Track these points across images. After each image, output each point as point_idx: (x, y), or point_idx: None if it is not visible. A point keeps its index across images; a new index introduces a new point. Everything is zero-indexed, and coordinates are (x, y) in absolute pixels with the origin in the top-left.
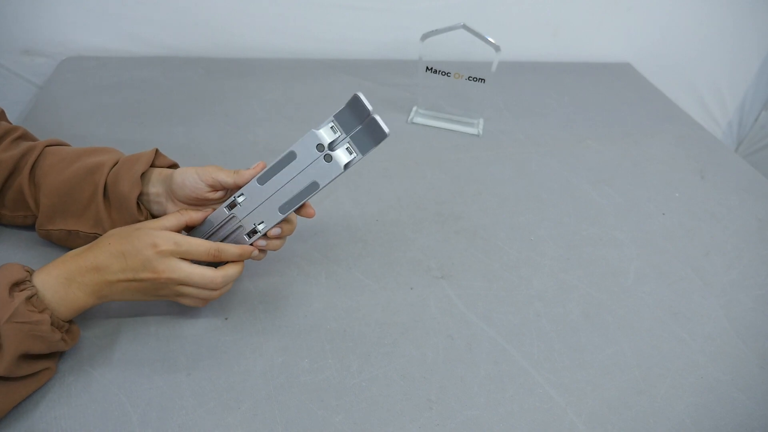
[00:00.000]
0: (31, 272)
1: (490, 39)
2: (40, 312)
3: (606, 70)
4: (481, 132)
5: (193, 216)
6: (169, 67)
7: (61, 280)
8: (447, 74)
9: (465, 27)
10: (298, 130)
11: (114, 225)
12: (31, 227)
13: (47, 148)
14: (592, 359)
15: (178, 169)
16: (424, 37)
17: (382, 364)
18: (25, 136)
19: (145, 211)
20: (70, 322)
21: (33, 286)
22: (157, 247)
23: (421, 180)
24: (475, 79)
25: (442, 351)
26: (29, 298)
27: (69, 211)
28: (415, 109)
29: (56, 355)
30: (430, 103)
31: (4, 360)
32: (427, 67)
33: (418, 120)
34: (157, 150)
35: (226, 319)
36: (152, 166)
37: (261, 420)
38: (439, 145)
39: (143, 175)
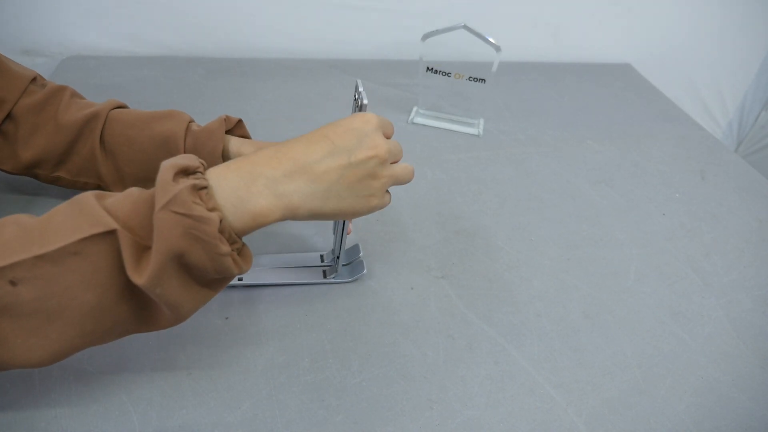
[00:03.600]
0: (204, 165)
1: (490, 39)
2: (209, 209)
3: (606, 71)
4: (481, 132)
5: None
6: (169, 67)
7: (243, 174)
8: (447, 74)
9: (465, 27)
10: (298, 130)
11: None
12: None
13: (111, 113)
14: (592, 359)
15: None
16: (425, 37)
17: (383, 364)
18: (75, 94)
19: None
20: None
21: (204, 178)
22: (370, 121)
23: (421, 180)
24: (476, 80)
25: (443, 351)
26: (198, 189)
27: (151, 179)
28: (415, 109)
29: (221, 284)
30: (431, 103)
31: (153, 260)
32: (428, 67)
33: (419, 120)
34: (226, 119)
35: (227, 318)
36: (227, 132)
37: (261, 420)
38: (440, 145)
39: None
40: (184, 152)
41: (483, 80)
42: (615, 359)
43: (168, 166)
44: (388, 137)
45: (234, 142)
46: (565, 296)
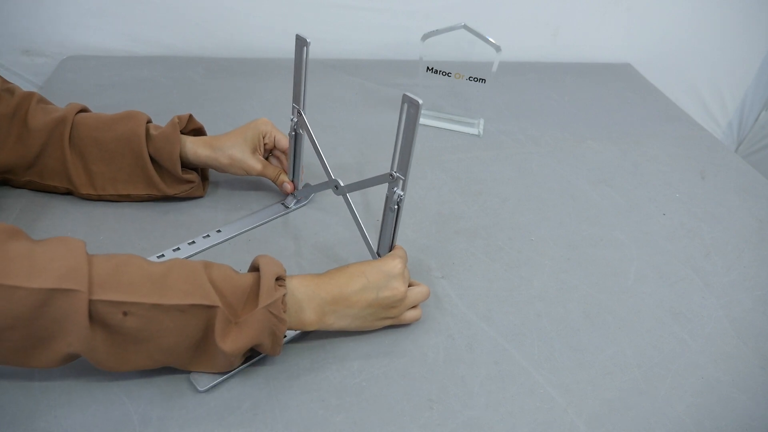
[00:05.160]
0: (285, 272)
1: (490, 39)
2: (285, 315)
3: (606, 71)
4: (481, 132)
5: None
6: (169, 67)
7: (308, 292)
8: (447, 74)
9: (465, 27)
10: None
11: (167, 185)
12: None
13: (75, 117)
14: (592, 359)
15: (224, 154)
16: (425, 37)
17: (383, 364)
18: (42, 100)
19: (192, 171)
20: None
21: (285, 286)
22: (397, 266)
23: (421, 180)
24: (476, 80)
25: (443, 351)
26: (284, 296)
27: (117, 178)
28: None
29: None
30: (431, 103)
31: (240, 340)
32: (428, 68)
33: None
34: (178, 120)
35: None
36: (182, 132)
37: (261, 420)
38: (440, 145)
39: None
40: (148, 154)
41: (483, 80)
42: (615, 359)
43: (270, 273)
44: (407, 267)
45: (189, 145)
46: (565, 296)
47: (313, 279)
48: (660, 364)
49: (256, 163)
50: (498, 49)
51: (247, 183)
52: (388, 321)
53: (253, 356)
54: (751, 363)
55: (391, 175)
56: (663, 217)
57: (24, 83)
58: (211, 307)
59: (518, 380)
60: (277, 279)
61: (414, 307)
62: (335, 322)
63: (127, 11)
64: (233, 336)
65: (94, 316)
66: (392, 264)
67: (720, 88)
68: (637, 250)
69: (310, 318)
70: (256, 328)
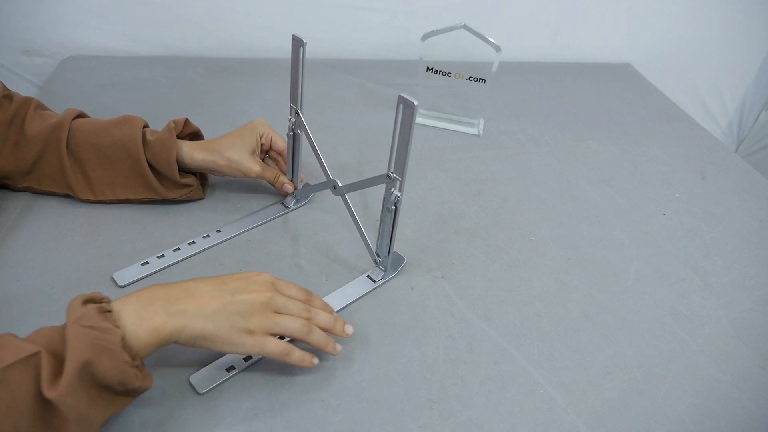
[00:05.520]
0: (108, 298)
1: (490, 39)
2: (114, 326)
3: (606, 71)
4: (481, 132)
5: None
6: (169, 67)
7: (143, 299)
8: (447, 74)
9: (465, 27)
10: None
11: (166, 189)
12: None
13: (72, 123)
14: (592, 359)
15: (224, 159)
16: (425, 37)
17: (383, 364)
18: (40, 105)
19: (190, 175)
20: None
21: (109, 305)
22: (262, 275)
23: (421, 180)
24: (476, 80)
25: (443, 351)
26: (102, 311)
27: (115, 182)
28: None
29: (123, 401)
30: (431, 103)
31: (66, 370)
32: (428, 68)
33: (419, 120)
34: (174, 125)
35: None
36: (179, 137)
37: (261, 420)
38: (439, 145)
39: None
40: (145, 159)
41: (483, 80)
42: (615, 359)
43: (77, 297)
44: (289, 294)
45: (186, 149)
46: (565, 296)
47: (147, 288)
48: (660, 364)
49: (254, 165)
50: (498, 49)
51: (246, 183)
52: (249, 339)
53: (247, 358)
54: (751, 363)
55: (388, 176)
56: (663, 217)
57: (24, 83)
58: (31, 357)
59: (518, 380)
60: (87, 301)
61: (294, 347)
62: (187, 323)
63: (127, 11)
64: (57, 379)
65: None
66: (258, 274)
67: (720, 88)
68: (637, 250)
69: (157, 321)
70: (73, 350)
